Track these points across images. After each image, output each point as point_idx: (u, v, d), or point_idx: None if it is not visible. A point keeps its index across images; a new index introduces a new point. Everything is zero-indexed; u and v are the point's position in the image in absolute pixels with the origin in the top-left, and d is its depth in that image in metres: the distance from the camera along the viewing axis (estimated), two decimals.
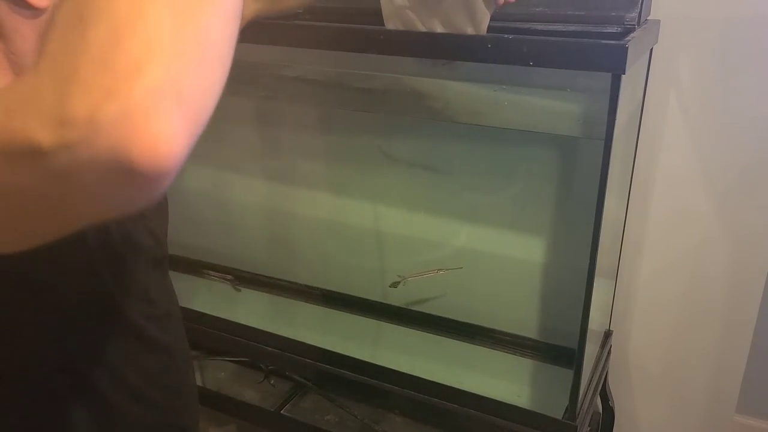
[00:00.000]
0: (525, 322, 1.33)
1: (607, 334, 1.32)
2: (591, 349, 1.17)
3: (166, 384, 0.72)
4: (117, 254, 0.64)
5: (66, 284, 0.59)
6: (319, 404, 1.31)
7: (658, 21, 1.09)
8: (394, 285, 1.37)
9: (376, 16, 1.02)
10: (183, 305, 1.45)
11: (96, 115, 0.30)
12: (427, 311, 1.41)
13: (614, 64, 0.86)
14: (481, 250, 1.33)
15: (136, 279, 0.69)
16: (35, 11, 0.55)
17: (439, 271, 1.32)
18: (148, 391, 0.69)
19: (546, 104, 1.10)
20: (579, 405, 1.06)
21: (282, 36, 1.05)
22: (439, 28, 0.95)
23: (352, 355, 1.23)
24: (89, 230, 0.58)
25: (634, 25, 0.95)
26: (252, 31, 1.07)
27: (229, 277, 1.61)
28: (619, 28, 0.96)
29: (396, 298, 1.43)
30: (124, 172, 0.31)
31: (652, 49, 1.12)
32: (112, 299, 0.64)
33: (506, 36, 0.91)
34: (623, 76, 0.86)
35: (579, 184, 1.18)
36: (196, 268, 1.64)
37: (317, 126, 1.40)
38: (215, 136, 1.50)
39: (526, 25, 0.99)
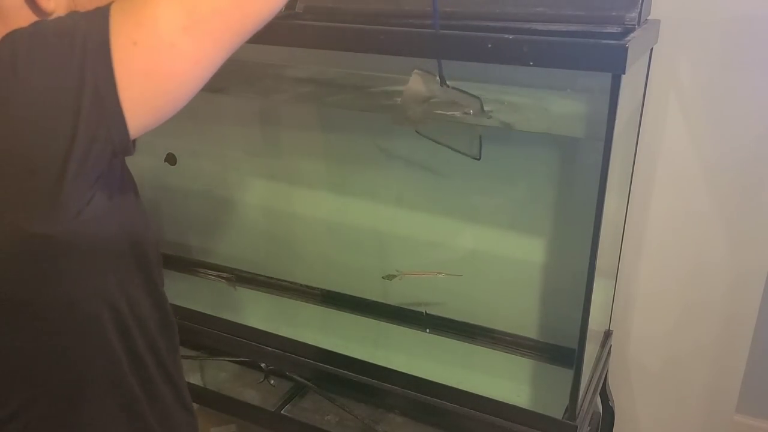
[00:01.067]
0: (525, 322, 1.33)
1: (607, 334, 1.32)
2: (591, 349, 1.17)
3: None
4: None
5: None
6: (319, 404, 1.31)
7: (658, 21, 1.09)
8: (389, 277, 1.37)
9: (376, 16, 1.02)
10: (183, 305, 1.46)
11: None
12: (428, 311, 1.41)
13: (614, 64, 0.86)
14: (482, 250, 1.33)
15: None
16: (43, 13, 0.60)
17: (438, 274, 1.32)
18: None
19: (546, 104, 1.10)
20: (579, 405, 1.06)
21: (282, 36, 1.05)
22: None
23: (352, 355, 1.23)
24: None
25: (634, 25, 0.95)
26: None
27: (224, 275, 1.61)
28: (619, 28, 0.96)
29: (396, 298, 1.43)
30: None
31: (652, 49, 1.12)
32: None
33: (506, 36, 0.90)
34: (623, 76, 0.86)
35: (579, 184, 1.18)
36: (195, 268, 1.64)
37: (317, 126, 1.40)
38: (215, 136, 1.50)
39: (526, 25, 0.99)
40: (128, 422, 0.69)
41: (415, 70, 1.04)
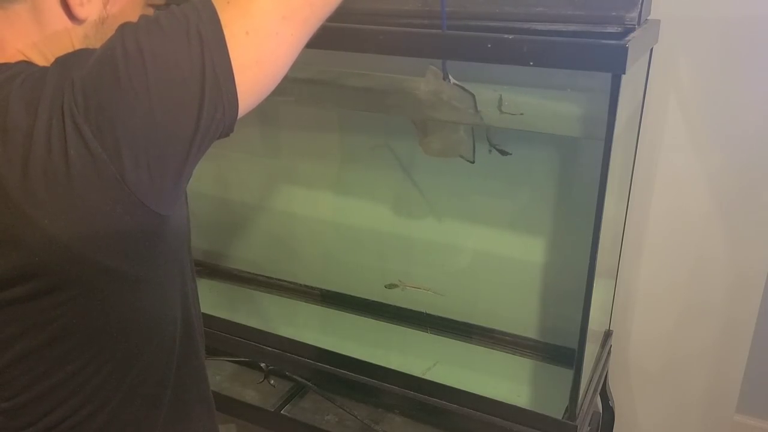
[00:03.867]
0: (525, 322, 1.33)
1: (607, 334, 1.32)
2: (591, 349, 1.17)
3: None
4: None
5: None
6: (319, 404, 1.31)
7: (658, 21, 1.09)
8: (391, 287, 1.37)
9: (377, 16, 1.02)
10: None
11: None
12: (428, 311, 1.41)
13: (614, 64, 0.86)
14: (482, 250, 1.33)
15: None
16: (76, 20, 0.64)
17: (428, 290, 1.37)
18: None
19: (546, 104, 1.10)
20: (579, 405, 1.06)
21: None
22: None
23: (352, 355, 1.23)
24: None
25: (634, 25, 0.95)
26: None
27: (197, 268, 1.61)
28: (619, 28, 0.96)
29: (396, 298, 1.43)
30: None
31: (652, 49, 1.12)
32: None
33: (506, 36, 0.90)
34: (623, 76, 0.86)
35: (579, 184, 1.18)
36: (195, 268, 1.64)
37: (317, 126, 1.40)
38: None
39: (526, 25, 0.99)
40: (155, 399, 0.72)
41: (431, 66, 1.06)
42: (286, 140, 1.45)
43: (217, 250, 1.63)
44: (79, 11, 0.63)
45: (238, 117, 0.60)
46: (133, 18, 0.62)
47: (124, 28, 0.57)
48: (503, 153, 1.19)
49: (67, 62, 0.57)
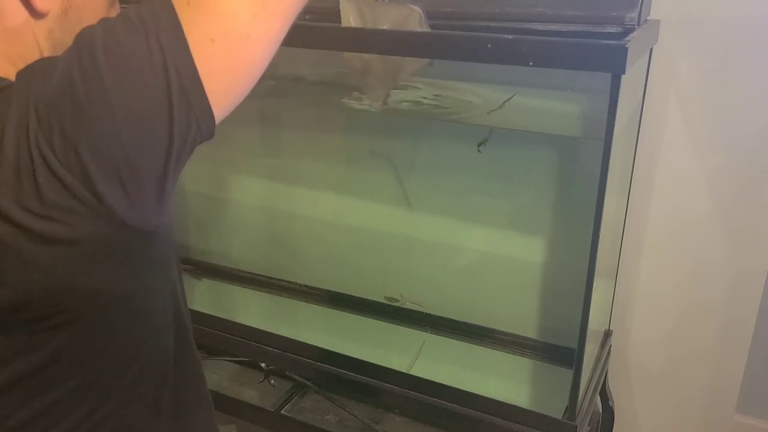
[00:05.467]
0: (525, 322, 1.33)
1: (607, 334, 1.32)
2: (591, 349, 1.17)
3: None
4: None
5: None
6: (319, 404, 1.31)
7: (658, 21, 1.09)
8: (391, 300, 1.40)
9: None
10: None
11: None
12: (428, 311, 1.41)
13: (614, 64, 0.86)
14: (481, 250, 1.33)
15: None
16: (37, 14, 0.59)
17: (420, 305, 1.39)
18: None
19: (546, 104, 1.10)
20: (579, 405, 1.06)
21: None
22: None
23: (352, 355, 1.23)
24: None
25: (634, 25, 0.95)
26: None
27: (186, 266, 1.62)
28: (619, 28, 0.96)
29: (393, 293, 1.43)
30: None
31: (652, 49, 1.12)
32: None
33: (506, 36, 0.90)
34: (623, 76, 0.86)
35: (579, 184, 1.18)
36: (195, 268, 1.64)
37: (317, 126, 1.40)
38: (215, 136, 1.50)
39: (526, 25, 0.99)
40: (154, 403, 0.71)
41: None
42: (286, 140, 1.45)
43: (216, 250, 1.63)
44: (40, 4, 0.59)
45: (217, 123, 0.57)
46: (98, 6, 0.58)
47: (80, 42, 0.52)
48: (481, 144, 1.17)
49: (29, 79, 0.53)
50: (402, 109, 1.19)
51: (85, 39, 0.52)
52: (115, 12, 0.66)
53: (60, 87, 0.51)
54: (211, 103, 0.54)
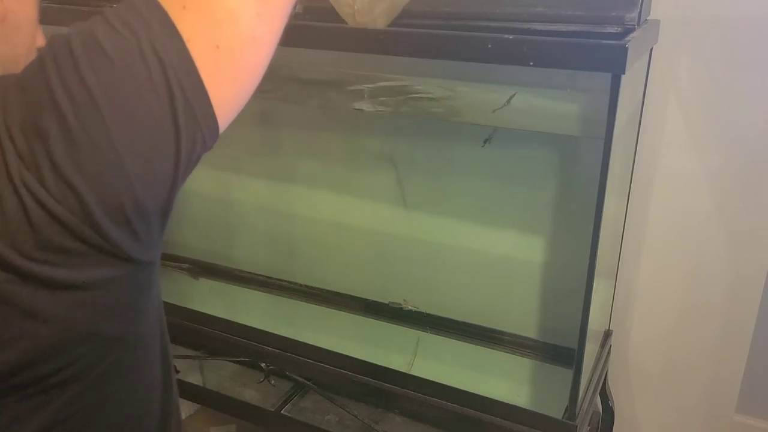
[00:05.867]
0: (525, 322, 1.33)
1: (607, 334, 1.32)
2: (591, 349, 1.17)
3: None
4: None
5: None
6: (319, 404, 1.31)
7: (658, 21, 1.09)
8: (395, 304, 1.40)
9: None
10: (183, 305, 1.46)
11: None
12: (428, 311, 1.41)
13: (614, 64, 0.86)
14: (481, 249, 1.33)
15: None
16: None
17: (416, 309, 1.40)
18: None
19: (546, 104, 1.10)
20: (579, 405, 1.06)
21: (282, 36, 1.05)
22: None
23: (352, 355, 1.23)
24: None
25: (634, 25, 0.95)
26: None
27: (185, 265, 1.61)
28: (619, 28, 0.96)
29: (395, 297, 1.43)
30: None
31: (652, 49, 1.12)
32: None
33: (506, 36, 0.91)
34: (623, 76, 0.86)
35: (579, 184, 1.18)
36: (195, 268, 1.64)
37: (317, 126, 1.40)
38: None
39: (526, 25, 0.99)
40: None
41: None
42: (286, 140, 1.45)
43: (217, 250, 1.63)
44: None
45: (221, 132, 0.52)
46: (31, 14, 0.52)
47: (54, 57, 0.45)
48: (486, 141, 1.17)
49: None
50: (402, 111, 1.19)
51: (61, 53, 0.45)
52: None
53: (39, 112, 0.44)
54: (216, 114, 0.49)
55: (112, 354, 0.53)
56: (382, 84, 1.18)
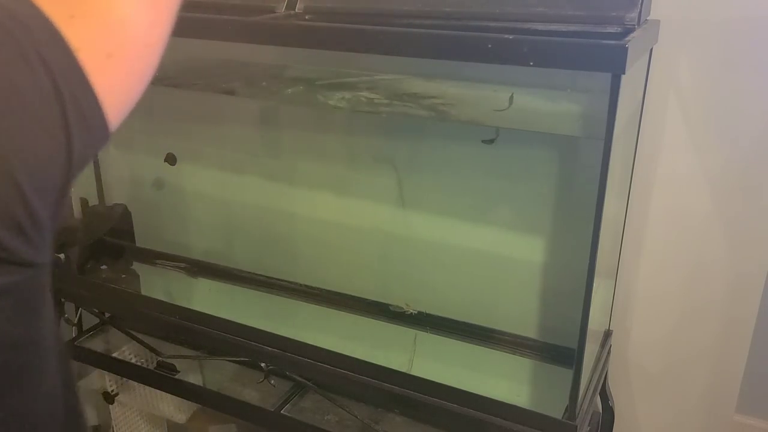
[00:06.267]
0: (525, 322, 1.33)
1: (607, 334, 1.32)
2: (591, 349, 1.17)
3: None
4: None
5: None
6: (319, 404, 1.31)
7: (658, 21, 1.09)
8: (398, 308, 1.40)
9: (377, 16, 1.02)
10: (182, 305, 1.46)
11: None
12: (428, 311, 1.41)
13: (614, 64, 0.86)
14: (481, 249, 1.33)
15: None
16: None
17: (417, 312, 1.40)
18: None
19: (546, 104, 1.10)
20: (579, 405, 1.06)
21: (282, 36, 1.05)
22: None
23: (352, 355, 1.23)
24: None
25: (634, 25, 0.95)
26: (251, 31, 1.07)
27: (184, 265, 1.61)
28: (619, 28, 0.96)
29: (395, 299, 1.43)
30: None
31: (652, 49, 1.12)
32: None
33: (506, 36, 0.91)
34: (623, 76, 0.86)
35: (579, 184, 1.18)
36: (195, 267, 1.64)
37: (317, 126, 1.40)
38: (215, 136, 1.50)
39: (526, 25, 0.99)
40: None
41: None
42: (286, 140, 1.45)
43: (217, 250, 1.63)
44: None
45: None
46: None
47: None
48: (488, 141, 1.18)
49: None
50: (401, 111, 1.19)
51: None
52: None
53: None
54: (108, 120, 0.47)
55: (17, 361, 0.51)
56: (381, 84, 1.18)
